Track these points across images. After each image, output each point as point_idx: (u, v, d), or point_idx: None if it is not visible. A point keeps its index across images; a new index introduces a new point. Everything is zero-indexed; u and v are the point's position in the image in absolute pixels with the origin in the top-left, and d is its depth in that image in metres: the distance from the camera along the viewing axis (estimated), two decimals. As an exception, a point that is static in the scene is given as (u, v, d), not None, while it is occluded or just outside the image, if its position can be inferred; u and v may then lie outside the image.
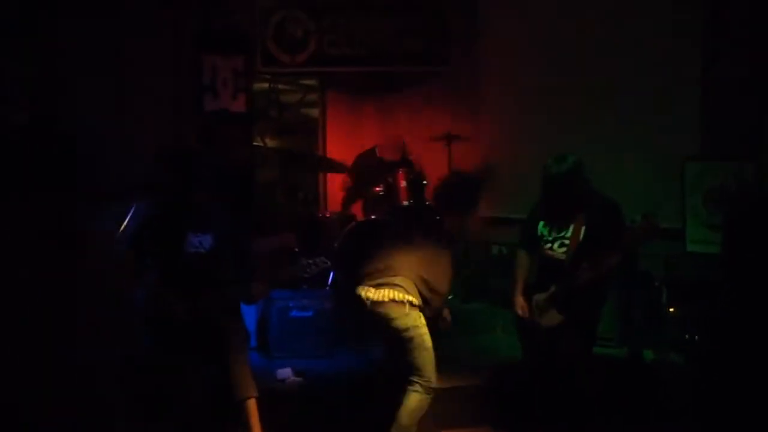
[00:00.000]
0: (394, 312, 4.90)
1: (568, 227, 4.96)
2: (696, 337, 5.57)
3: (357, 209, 7.82)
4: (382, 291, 4.93)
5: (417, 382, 4.97)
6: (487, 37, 8.27)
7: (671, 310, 5.90)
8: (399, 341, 4.96)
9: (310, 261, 5.07)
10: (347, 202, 7.99)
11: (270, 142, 8.51)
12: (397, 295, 4.89)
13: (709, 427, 4.92)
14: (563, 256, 4.95)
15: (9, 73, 5.78)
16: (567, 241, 4.95)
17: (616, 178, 6.36)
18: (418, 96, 8.55)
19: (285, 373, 5.95)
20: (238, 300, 5.18)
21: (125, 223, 5.06)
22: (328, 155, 8.44)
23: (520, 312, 5.13)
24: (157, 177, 5.20)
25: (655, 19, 6.75)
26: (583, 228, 4.90)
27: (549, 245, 5.03)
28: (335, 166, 7.90)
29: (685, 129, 6.53)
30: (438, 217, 6.84)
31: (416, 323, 4.94)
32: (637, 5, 6.90)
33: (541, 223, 5.10)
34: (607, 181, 5.39)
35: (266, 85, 8.57)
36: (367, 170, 7.63)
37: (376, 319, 4.97)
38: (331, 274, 6.93)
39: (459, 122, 8.11)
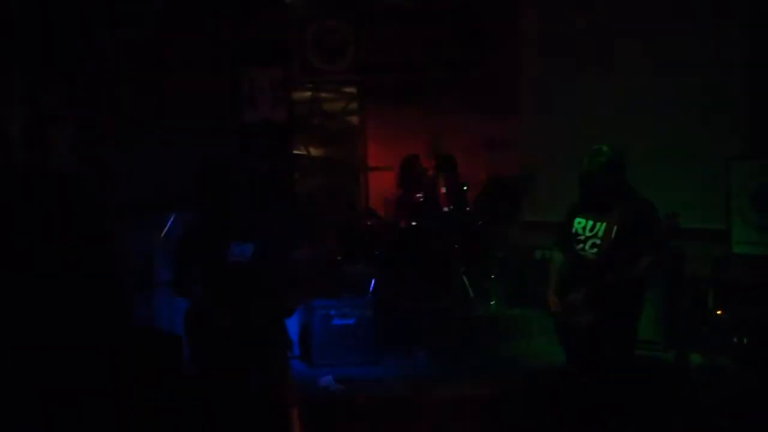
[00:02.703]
0: None
1: (601, 225, 4.90)
2: (745, 340, 5.47)
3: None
4: None
5: None
6: (526, 42, 8.21)
7: (718, 312, 5.80)
8: None
9: (353, 268, 5.07)
10: (390, 208, 7.98)
11: (313, 151, 8.54)
12: None
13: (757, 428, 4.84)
14: (594, 257, 4.90)
15: (52, 88, 5.87)
16: (599, 241, 4.89)
17: (659, 179, 6.29)
18: (457, 102, 8.53)
19: (327, 380, 5.96)
20: (281, 309, 5.20)
21: (165, 233, 5.09)
22: (370, 162, 8.45)
23: (552, 309, 5.08)
24: (197, 188, 5.23)
25: (701, 18, 6.68)
26: (616, 227, 4.84)
27: (581, 245, 4.98)
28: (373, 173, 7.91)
29: (732, 129, 6.45)
30: (479, 222, 6.84)
31: None
32: (682, 6, 6.82)
33: (576, 220, 5.04)
34: (650, 183, 5.33)
35: (308, 93, 8.61)
36: (408, 177, 7.62)
37: None
38: (373, 282, 6.93)
39: (499, 128, 8.07)
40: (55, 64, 5.97)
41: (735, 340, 5.61)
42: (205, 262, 5.06)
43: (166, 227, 5.09)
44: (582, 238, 4.97)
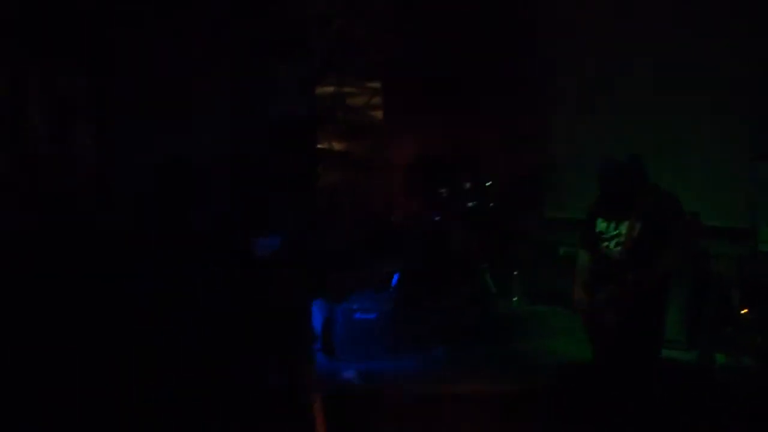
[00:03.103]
0: None
1: (623, 224, 4.88)
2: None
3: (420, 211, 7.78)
4: None
5: None
6: (556, 38, 8.17)
7: (744, 312, 5.75)
8: None
9: (377, 263, 5.08)
10: (413, 204, 7.98)
11: (336, 146, 8.54)
12: None
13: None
14: (618, 255, 4.88)
15: (75, 81, 5.90)
16: (623, 239, 4.87)
17: (684, 177, 6.26)
18: (481, 97, 8.49)
19: (349, 374, 5.97)
20: (306, 301, 5.22)
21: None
22: (392, 158, 8.43)
23: (578, 308, 5.07)
24: (223, 182, 5.26)
25: (729, 15, 6.63)
26: (639, 225, 4.81)
27: (606, 243, 4.96)
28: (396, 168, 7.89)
29: (759, 126, 6.39)
30: (503, 219, 6.83)
31: None
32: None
33: (599, 220, 5.03)
34: (675, 181, 5.30)
35: (331, 88, 8.61)
36: (431, 172, 7.61)
37: None
38: (395, 277, 6.94)
39: (523, 123, 8.03)
40: (79, 56, 5.99)
41: (760, 339, 5.56)
42: (232, 253, 5.10)
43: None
44: (606, 236, 4.96)
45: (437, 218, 7.29)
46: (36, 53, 5.73)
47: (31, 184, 5.54)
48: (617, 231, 4.92)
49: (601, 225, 5.02)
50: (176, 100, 6.48)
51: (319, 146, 8.28)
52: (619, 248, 4.88)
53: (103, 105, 6.00)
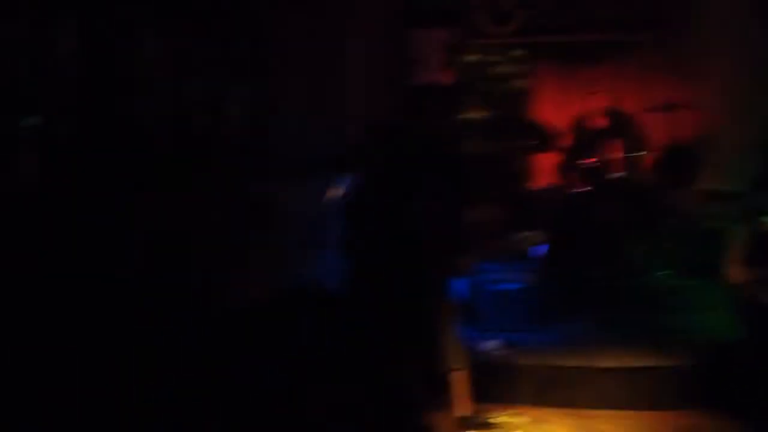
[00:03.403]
0: None
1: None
2: None
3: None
4: None
5: None
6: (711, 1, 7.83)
7: None
8: None
9: (522, 234, 5.01)
10: (561, 174, 7.83)
11: (480, 114, 8.48)
12: None
13: None
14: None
15: (227, 49, 6.05)
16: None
17: None
18: (632, 64, 8.24)
19: (492, 345, 5.95)
20: (447, 272, 5.21)
21: (336, 192, 5.19)
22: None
23: (737, 282, 4.88)
24: (366, 148, 5.29)
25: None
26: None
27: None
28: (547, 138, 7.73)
29: None
30: (655, 190, 6.62)
31: None
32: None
33: (763, 193, 4.81)
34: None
35: (475, 57, 8.54)
36: (578, 140, 7.42)
37: None
38: (543, 248, 6.85)
39: (678, 90, 7.74)
40: (232, 31, 6.15)
41: None
42: (376, 222, 5.13)
43: (335, 188, 5.18)
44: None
45: (586, 189, 7.13)
46: (194, 25, 5.91)
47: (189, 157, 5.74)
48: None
49: (763, 199, 4.81)
50: (327, 67, 6.58)
51: (463, 115, 8.25)
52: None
53: (259, 76, 6.14)
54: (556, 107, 8.41)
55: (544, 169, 8.31)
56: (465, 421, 5.09)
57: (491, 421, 5.23)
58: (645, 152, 7.14)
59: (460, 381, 5.05)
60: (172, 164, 5.52)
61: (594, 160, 7.12)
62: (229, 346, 4.88)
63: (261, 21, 6.28)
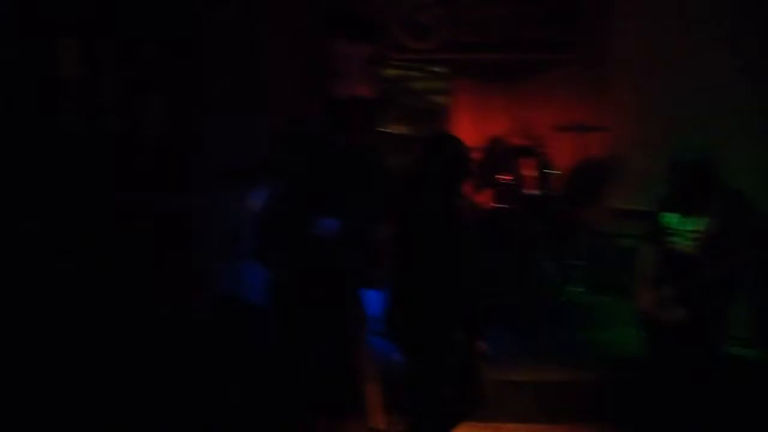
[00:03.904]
0: None
1: (696, 219, 4.78)
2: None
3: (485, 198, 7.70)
4: None
5: None
6: (620, 24, 8.04)
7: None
8: None
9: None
10: (475, 190, 7.92)
11: (399, 129, 8.53)
12: None
13: None
14: (690, 250, 4.78)
15: (145, 53, 5.96)
16: (695, 234, 4.78)
17: (753, 170, 6.10)
18: (547, 84, 8.41)
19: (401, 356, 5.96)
20: (362, 284, 5.22)
21: (254, 202, 5.15)
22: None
23: (644, 306, 4.98)
24: (285, 159, 5.27)
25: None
26: (712, 221, 4.71)
27: (676, 238, 4.87)
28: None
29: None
30: (566, 208, 6.74)
31: None
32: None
33: (669, 215, 4.94)
34: (749, 169, 5.18)
35: (397, 71, 8.59)
36: (494, 158, 7.53)
37: None
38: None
39: (588, 111, 7.93)
40: (147, 31, 6.06)
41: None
42: (290, 233, 5.11)
43: (255, 197, 5.14)
44: (676, 231, 4.87)
45: (499, 206, 7.23)
46: (108, 27, 5.81)
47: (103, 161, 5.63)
48: (688, 226, 4.83)
49: (670, 219, 4.93)
50: (244, 76, 6.52)
51: (382, 129, 8.28)
52: (690, 243, 4.79)
53: (177, 80, 6.06)
54: (474, 124, 8.52)
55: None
56: (377, 432, 5.10)
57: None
58: (558, 171, 7.28)
59: (372, 392, 5.05)
60: (88, 168, 5.42)
61: (509, 177, 7.23)
62: (146, 353, 4.80)
63: (181, 29, 6.20)
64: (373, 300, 6.27)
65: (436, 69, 8.69)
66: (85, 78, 5.65)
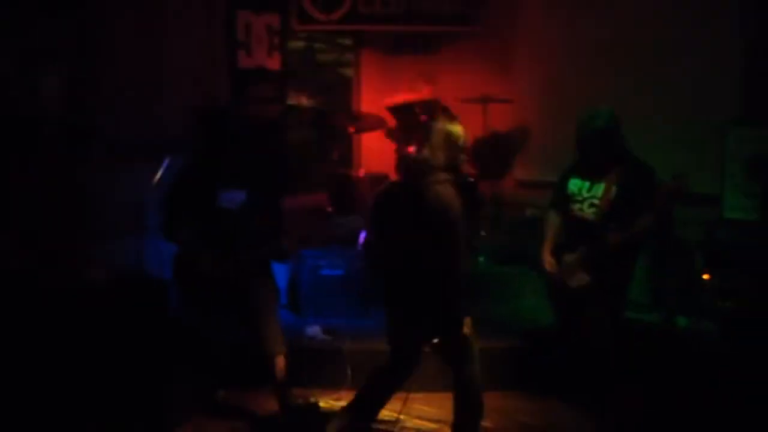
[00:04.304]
0: None
1: (599, 186, 4.89)
2: (728, 304, 5.49)
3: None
4: None
5: None
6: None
7: (705, 276, 5.81)
8: None
9: (344, 220, 5.04)
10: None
11: (305, 102, 8.47)
12: None
13: (741, 396, 4.87)
14: (593, 217, 4.90)
15: (43, 27, 5.78)
16: (597, 201, 4.89)
17: (655, 141, 6.26)
18: (453, 56, 8.44)
19: (314, 330, 5.97)
20: (269, 256, 5.19)
21: (158, 177, 5.06)
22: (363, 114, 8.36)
23: (548, 268, 5.09)
24: (192, 133, 5.19)
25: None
26: (614, 188, 4.83)
27: (579, 205, 4.98)
28: (372, 125, 7.78)
29: (727, 94, 6.41)
30: (471, 180, 6.79)
31: None
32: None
33: (573, 181, 5.04)
34: (645, 145, 5.31)
35: (302, 43, 8.52)
36: (403, 127, 7.51)
37: None
38: (363, 234, 6.91)
39: (495, 83, 8.00)
40: (47, 4, 5.87)
41: (720, 304, 5.62)
42: (195, 206, 5.05)
43: (160, 171, 5.05)
44: (579, 198, 4.97)
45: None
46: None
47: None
48: (591, 193, 4.94)
49: (573, 187, 5.03)
50: (147, 49, 6.38)
51: (288, 102, 8.21)
52: (593, 210, 4.90)
53: (74, 53, 5.89)
54: (380, 96, 8.51)
55: (368, 157, 8.40)
56: (287, 405, 5.08)
57: (312, 405, 5.25)
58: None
59: (279, 366, 5.04)
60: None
61: (413, 149, 7.22)
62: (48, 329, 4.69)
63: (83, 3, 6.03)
64: (282, 273, 6.27)
65: (343, 41, 8.65)
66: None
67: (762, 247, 5.64)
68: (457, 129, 4.62)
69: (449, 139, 4.57)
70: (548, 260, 5.11)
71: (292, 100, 8.29)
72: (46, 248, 5.18)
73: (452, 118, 5.01)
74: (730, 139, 6.19)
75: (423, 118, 7.13)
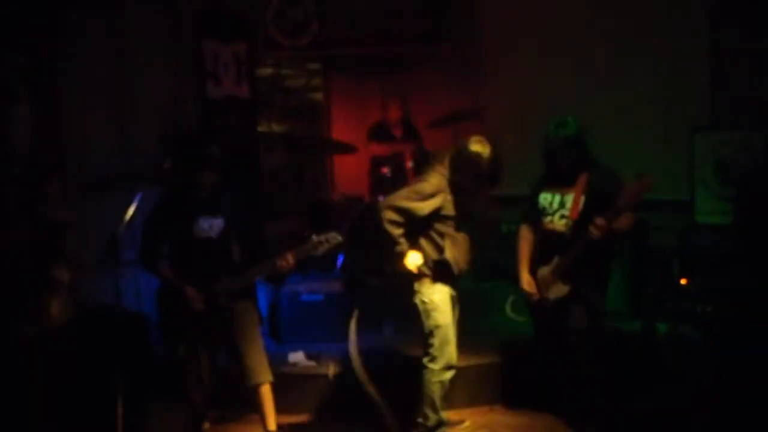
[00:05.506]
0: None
1: (568, 197, 4.92)
2: (708, 308, 5.53)
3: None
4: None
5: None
6: (488, 12, 8.18)
7: (682, 282, 5.86)
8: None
9: (322, 238, 5.03)
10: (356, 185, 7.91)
11: (276, 128, 8.47)
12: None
13: (722, 400, 4.90)
14: (563, 228, 4.93)
15: (8, 64, 5.75)
16: (567, 212, 4.92)
17: (625, 149, 6.33)
18: (421, 75, 8.47)
19: (297, 357, 5.95)
20: (249, 284, 5.16)
21: (132, 211, 5.02)
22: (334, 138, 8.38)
23: (527, 288, 5.12)
24: (161, 162, 5.17)
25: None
26: (583, 198, 4.87)
27: (549, 218, 5.01)
28: (343, 147, 7.79)
29: (695, 100, 6.49)
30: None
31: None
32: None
33: (543, 195, 5.08)
34: (616, 152, 5.36)
35: (270, 70, 8.53)
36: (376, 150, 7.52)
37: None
38: (341, 257, 6.91)
39: (464, 100, 8.02)
40: (12, 40, 5.85)
41: (699, 309, 5.66)
42: (173, 236, 5.02)
43: (133, 204, 5.02)
44: (550, 211, 5.00)
45: (381, 198, 7.24)
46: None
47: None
48: (561, 205, 4.97)
49: (543, 201, 5.07)
50: (114, 80, 6.36)
51: (259, 129, 8.21)
52: (563, 221, 4.93)
53: (40, 87, 5.86)
54: (351, 119, 8.53)
55: (342, 180, 8.41)
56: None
57: None
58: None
59: (265, 394, 5.01)
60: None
61: (386, 169, 7.24)
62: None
63: (45, 36, 6.00)
64: (262, 299, 6.25)
65: (311, 66, 8.66)
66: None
67: (737, 249, 5.69)
68: (477, 152, 4.86)
69: (467, 161, 4.83)
70: (526, 279, 5.14)
71: (262, 127, 8.29)
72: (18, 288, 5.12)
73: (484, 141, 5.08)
74: (698, 144, 6.27)
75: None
